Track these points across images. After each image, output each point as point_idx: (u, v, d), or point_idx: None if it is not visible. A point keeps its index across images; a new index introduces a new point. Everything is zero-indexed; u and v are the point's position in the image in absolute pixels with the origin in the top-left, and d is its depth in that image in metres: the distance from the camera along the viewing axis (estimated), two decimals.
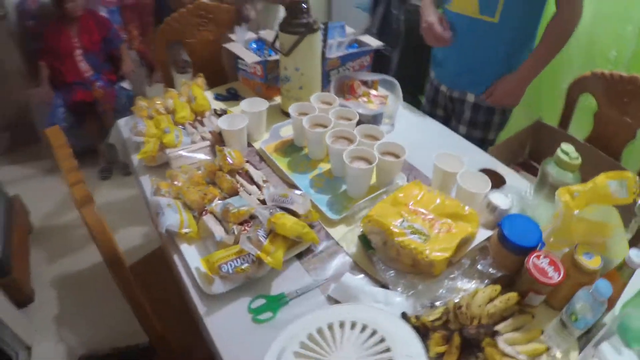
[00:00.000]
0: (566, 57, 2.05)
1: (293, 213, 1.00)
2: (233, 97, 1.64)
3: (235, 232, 0.98)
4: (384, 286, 0.91)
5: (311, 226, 1.03)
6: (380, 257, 0.94)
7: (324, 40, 1.44)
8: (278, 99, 1.59)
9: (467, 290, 0.87)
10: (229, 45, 1.66)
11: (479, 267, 0.89)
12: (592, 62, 1.90)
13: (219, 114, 1.44)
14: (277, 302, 0.90)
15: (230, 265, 0.89)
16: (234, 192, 1.11)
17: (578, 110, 1.61)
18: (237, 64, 1.66)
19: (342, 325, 0.77)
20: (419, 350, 0.74)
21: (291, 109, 1.30)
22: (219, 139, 1.31)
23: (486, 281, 0.89)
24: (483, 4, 1.35)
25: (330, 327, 0.77)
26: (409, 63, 2.38)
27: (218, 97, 1.65)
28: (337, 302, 0.90)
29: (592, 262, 0.86)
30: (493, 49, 1.41)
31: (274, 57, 1.54)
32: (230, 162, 1.15)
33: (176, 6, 1.87)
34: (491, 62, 1.44)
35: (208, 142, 1.30)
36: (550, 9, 1.37)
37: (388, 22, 2.51)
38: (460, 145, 1.41)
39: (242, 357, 0.82)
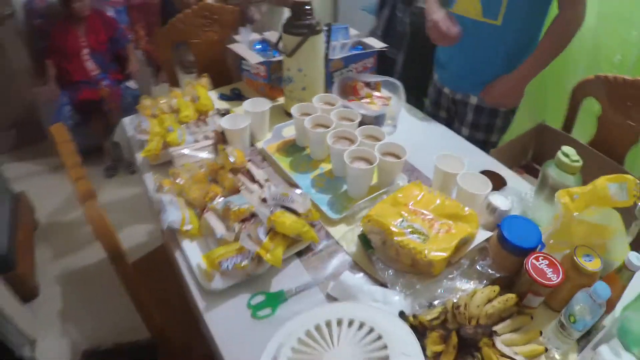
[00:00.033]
0: (571, 61, 2.05)
1: (293, 212, 1.01)
2: (237, 97, 1.66)
3: (236, 230, 0.99)
4: (383, 285, 0.91)
5: (312, 225, 1.03)
6: (379, 256, 0.95)
7: (327, 42, 1.45)
8: (281, 100, 1.60)
9: (466, 290, 0.87)
10: (233, 46, 1.67)
11: (478, 267, 0.90)
12: (597, 66, 1.90)
13: (222, 113, 1.45)
14: (276, 299, 0.91)
15: (230, 262, 0.90)
16: (236, 191, 1.12)
17: (582, 114, 1.61)
18: (242, 64, 1.68)
19: (339, 322, 0.78)
20: (416, 349, 0.74)
21: (293, 110, 1.31)
22: (221, 138, 1.32)
23: (485, 282, 0.89)
24: (486, 6, 1.35)
25: (328, 324, 0.78)
26: (414, 65, 2.38)
27: (222, 97, 1.67)
28: (336, 300, 0.90)
29: (591, 264, 0.86)
30: (496, 52, 1.41)
31: (278, 58, 1.55)
32: (232, 160, 1.16)
33: (181, 7, 1.89)
34: (494, 65, 1.45)
35: (211, 141, 1.31)
36: (554, 11, 1.37)
37: (393, 24, 2.51)
38: (462, 147, 1.41)
39: (240, 352, 0.83)
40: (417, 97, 1.79)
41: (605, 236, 0.92)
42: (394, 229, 0.91)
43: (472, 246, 0.94)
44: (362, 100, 1.48)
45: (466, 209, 0.97)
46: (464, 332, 0.79)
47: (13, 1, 2.53)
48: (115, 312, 1.85)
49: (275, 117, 1.49)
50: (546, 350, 0.84)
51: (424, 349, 0.77)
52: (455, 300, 0.84)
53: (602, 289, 0.79)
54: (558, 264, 0.86)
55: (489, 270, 0.89)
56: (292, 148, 1.35)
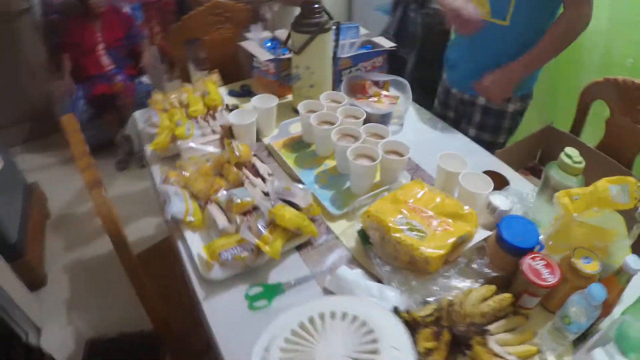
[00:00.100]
0: (583, 65, 2.04)
1: (295, 206, 1.02)
2: (246, 93, 1.68)
3: (238, 222, 1.00)
4: (380, 281, 0.92)
5: (313, 220, 1.04)
6: (377, 252, 0.95)
7: (336, 40, 1.46)
8: (290, 97, 1.62)
9: (462, 288, 0.87)
10: (244, 43, 1.69)
11: (474, 266, 0.90)
12: (609, 69, 1.88)
13: (230, 109, 1.47)
14: (273, 291, 0.92)
15: (230, 253, 0.92)
16: (240, 184, 1.14)
17: (593, 118, 1.60)
18: (252, 61, 1.70)
19: (333, 315, 0.79)
20: (406, 344, 0.75)
21: (300, 107, 1.33)
22: (229, 133, 1.34)
23: (481, 281, 0.89)
24: (494, 7, 1.35)
25: (321, 316, 0.79)
26: (424, 66, 2.39)
27: (231, 93, 1.69)
28: (332, 294, 0.91)
29: (589, 267, 0.85)
30: (504, 52, 1.41)
31: (287, 55, 1.57)
32: (238, 154, 1.17)
33: (194, 5, 1.91)
34: (502, 65, 1.44)
35: (218, 136, 1.33)
36: None
37: (405, 24, 2.52)
38: (467, 147, 1.41)
39: (235, 341, 0.84)
40: (427, 98, 1.80)
41: (606, 239, 0.91)
42: (392, 225, 0.91)
43: (470, 245, 0.94)
44: (370, 99, 1.49)
45: (466, 208, 0.97)
46: (456, 330, 0.80)
47: None
48: (121, 303, 1.88)
49: (284, 114, 1.50)
50: (540, 351, 0.84)
51: (415, 344, 0.77)
52: (450, 298, 0.85)
53: (597, 291, 0.78)
54: (555, 265, 0.86)
55: (486, 269, 0.89)
56: (298, 144, 1.37)
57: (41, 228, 2.25)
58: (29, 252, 1.96)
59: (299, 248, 1.03)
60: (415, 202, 0.99)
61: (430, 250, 0.87)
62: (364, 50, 1.62)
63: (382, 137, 1.22)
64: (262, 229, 0.95)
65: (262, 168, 1.20)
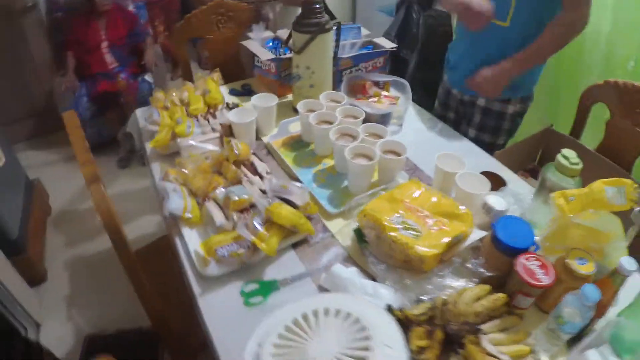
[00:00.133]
0: (585, 68, 2.04)
1: (292, 204, 1.02)
2: (247, 92, 1.68)
3: (235, 219, 1.01)
4: (374, 279, 0.93)
5: (310, 218, 1.05)
6: (373, 251, 0.96)
7: (337, 41, 1.47)
8: (291, 97, 1.62)
9: (456, 288, 0.88)
10: (246, 43, 1.70)
11: (469, 266, 0.90)
12: (611, 73, 1.88)
13: (230, 107, 1.48)
14: (268, 288, 0.93)
15: (226, 250, 0.93)
16: (238, 182, 1.14)
17: (593, 120, 1.60)
18: (254, 61, 1.71)
19: (326, 312, 0.79)
20: (399, 342, 0.75)
21: (299, 106, 1.33)
22: (228, 132, 1.35)
23: (476, 280, 0.89)
24: (495, 8, 1.35)
25: (315, 313, 0.79)
26: (426, 67, 2.39)
27: (232, 92, 1.70)
28: (327, 291, 0.92)
29: (584, 268, 0.85)
30: (504, 53, 1.41)
31: (288, 55, 1.58)
32: (237, 153, 1.18)
33: (197, 4, 1.92)
34: None
35: (217, 134, 1.34)
36: None
37: (408, 26, 2.53)
38: (466, 148, 1.41)
39: (230, 337, 0.85)
40: (428, 99, 1.80)
41: (602, 240, 0.91)
42: (387, 224, 0.92)
43: (465, 245, 0.94)
44: (370, 99, 1.49)
45: (462, 208, 0.97)
46: (449, 329, 0.80)
47: None
48: (121, 300, 1.89)
49: (284, 114, 1.51)
50: (533, 351, 0.84)
51: (407, 342, 0.78)
52: (445, 297, 0.85)
53: (590, 291, 0.78)
54: (550, 266, 0.86)
55: (481, 269, 0.90)
56: (297, 143, 1.37)
57: (42, 224, 2.26)
58: (30, 248, 1.97)
59: (295, 246, 1.03)
60: (412, 201, 0.99)
61: (425, 249, 0.88)
62: (365, 51, 1.63)
63: (380, 137, 1.22)
64: (258, 227, 0.96)
65: (261, 166, 1.21)
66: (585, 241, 0.90)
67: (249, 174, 1.17)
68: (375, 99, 1.48)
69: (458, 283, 0.89)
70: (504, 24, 1.36)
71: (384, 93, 1.52)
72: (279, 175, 1.26)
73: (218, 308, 0.91)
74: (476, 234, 0.96)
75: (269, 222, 0.98)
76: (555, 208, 0.91)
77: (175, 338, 1.31)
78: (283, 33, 1.75)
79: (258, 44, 1.69)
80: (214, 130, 1.37)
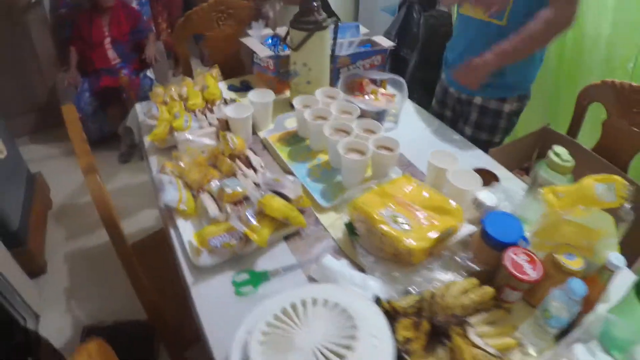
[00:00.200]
0: (585, 69, 2.04)
1: (285, 197, 1.04)
2: (246, 88, 1.70)
3: (229, 211, 1.02)
4: (364, 271, 0.94)
5: (302, 211, 1.06)
6: (363, 244, 0.97)
7: (334, 38, 1.48)
8: (289, 93, 1.63)
9: (444, 281, 0.89)
10: (245, 40, 1.72)
11: (458, 259, 0.91)
12: (611, 73, 1.89)
13: (228, 103, 1.49)
14: (259, 278, 0.94)
15: (219, 240, 0.94)
16: (232, 175, 1.16)
17: (591, 121, 1.60)
18: (253, 58, 1.72)
19: (314, 302, 0.80)
20: (385, 332, 0.76)
21: (296, 101, 1.35)
22: (225, 126, 1.36)
23: (464, 274, 0.90)
24: (487, 13, 1.36)
25: (303, 303, 0.80)
26: (426, 66, 2.40)
27: (231, 88, 1.71)
28: (317, 282, 0.93)
29: (573, 263, 0.86)
30: None
31: (286, 52, 1.59)
32: (232, 147, 1.20)
33: (199, 1, 1.94)
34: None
35: (214, 128, 1.35)
36: None
37: (408, 25, 2.54)
38: (461, 145, 1.42)
39: (220, 325, 0.86)
40: (428, 98, 1.82)
41: (593, 237, 0.92)
42: (377, 217, 0.93)
43: (455, 239, 0.95)
44: (367, 97, 1.50)
45: (452, 203, 0.98)
46: (436, 321, 0.81)
47: None
48: (119, 293, 1.91)
49: (282, 110, 1.53)
50: (520, 345, 0.84)
51: (394, 333, 0.79)
52: (432, 290, 0.86)
53: (577, 285, 0.79)
54: (538, 261, 0.87)
55: (469, 263, 0.91)
56: (293, 138, 1.39)
57: (43, 217, 2.29)
58: (30, 240, 1.99)
59: (287, 238, 1.05)
60: (403, 196, 1.00)
61: (414, 242, 0.89)
62: (363, 49, 1.64)
63: (374, 133, 1.23)
64: (251, 218, 0.97)
65: (255, 160, 1.22)
66: (575, 238, 0.90)
67: (244, 168, 1.18)
68: (372, 96, 1.50)
69: (446, 276, 0.89)
70: (501, 23, 1.37)
71: (381, 90, 1.53)
72: (273, 169, 1.27)
73: (210, 297, 0.92)
74: (466, 229, 0.97)
75: (261, 214, 0.99)
76: (545, 204, 0.92)
77: (170, 330, 1.32)
78: (282, 31, 1.76)
79: (257, 41, 1.71)
80: (211, 125, 1.39)
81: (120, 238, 1.04)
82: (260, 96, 1.42)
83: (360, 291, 0.86)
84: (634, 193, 0.90)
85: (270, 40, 1.73)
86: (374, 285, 0.88)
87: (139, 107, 1.62)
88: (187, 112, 1.42)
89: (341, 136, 1.22)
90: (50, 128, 2.98)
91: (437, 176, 1.12)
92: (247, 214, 0.98)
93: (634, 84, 1.40)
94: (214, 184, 1.11)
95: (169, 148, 1.36)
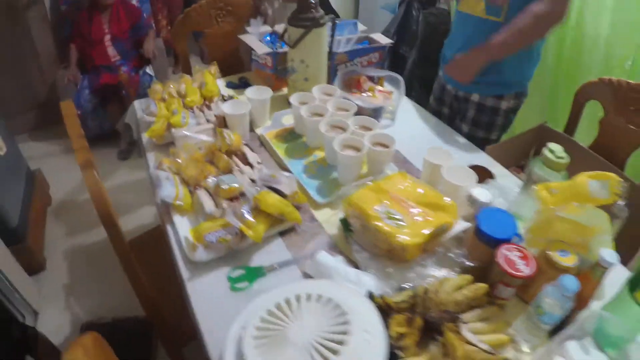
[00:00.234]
0: (584, 68, 2.05)
1: (280, 193, 1.04)
2: (244, 85, 1.70)
3: (225, 207, 1.03)
4: (358, 267, 0.94)
5: (298, 208, 1.07)
6: (358, 240, 0.97)
7: (332, 35, 1.48)
8: (286, 90, 1.64)
9: (438, 277, 0.89)
10: (243, 37, 1.72)
11: (451, 255, 0.91)
12: (610, 72, 1.89)
13: (225, 100, 1.50)
14: (254, 274, 0.95)
15: (214, 236, 0.95)
16: (229, 171, 1.17)
17: (588, 119, 1.60)
18: (251, 55, 1.73)
19: (308, 297, 0.81)
20: (377, 328, 0.77)
21: (292, 98, 1.35)
22: (222, 123, 1.37)
23: (458, 270, 0.91)
24: (489, 4, 1.36)
25: (297, 298, 0.81)
26: (425, 64, 2.40)
27: (229, 85, 1.72)
28: (312, 278, 0.94)
29: (566, 260, 0.86)
30: None
31: (284, 49, 1.59)
32: (229, 143, 1.20)
33: None
34: (495, 63, 1.45)
35: (212, 125, 1.36)
36: None
37: (408, 23, 2.54)
38: (458, 143, 1.43)
39: (215, 321, 0.87)
40: (427, 95, 1.82)
41: (587, 234, 0.92)
42: (372, 213, 0.93)
43: (449, 235, 0.95)
44: (364, 94, 1.51)
45: (447, 199, 0.99)
46: (428, 316, 0.81)
47: None
48: (118, 290, 1.91)
49: (280, 107, 1.53)
50: (513, 341, 0.85)
51: (387, 328, 0.79)
52: (426, 286, 0.86)
53: (569, 281, 0.79)
54: (531, 257, 0.87)
55: (463, 259, 0.91)
56: (290, 135, 1.39)
57: (42, 214, 2.29)
58: (30, 237, 2.00)
59: (283, 234, 1.05)
60: (397, 192, 1.01)
61: (407, 238, 0.89)
62: (360, 46, 1.64)
63: (370, 130, 1.24)
64: (246, 214, 0.98)
65: (252, 157, 1.23)
66: (569, 235, 0.91)
67: (240, 164, 1.19)
68: (370, 94, 1.50)
69: (440, 272, 0.90)
70: (499, 20, 1.37)
71: (378, 88, 1.53)
72: (270, 165, 1.28)
73: (205, 293, 0.93)
74: (460, 225, 0.97)
75: (256, 210, 1.00)
76: (538, 200, 0.92)
77: (168, 326, 1.33)
78: (281, 28, 1.77)
79: (255, 38, 1.71)
80: (208, 121, 1.39)
81: (117, 233, 1.05)
82: (258, 93, 1.42)
83: (354, 287, 0.87)
84: (627, 190, 0.90)
85: (268, 38, 1.73)
86: (368, 281, 0.88)
87: (138, 104, 1.63)
88: (185, 109, 1.43)
89: (337, 133, 1.22)
90: (50, 125, 2.99)
91: (433, 173, 1.12)
92: (242, 209, 0.98)
93: (630, 81, 1.40)
94: (211, 180, 1.11)
95: (166, 144, 1.36)
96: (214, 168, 1.18)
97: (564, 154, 1.01)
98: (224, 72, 1.76)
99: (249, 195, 1.01)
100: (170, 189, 1.10)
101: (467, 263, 0.91)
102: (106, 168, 2.69)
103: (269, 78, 1.66)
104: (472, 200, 0.99)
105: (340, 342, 0.72)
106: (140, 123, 1.52)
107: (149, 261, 1.39)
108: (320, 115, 1.29)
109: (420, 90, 2.34)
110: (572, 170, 1.01)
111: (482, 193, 0.99)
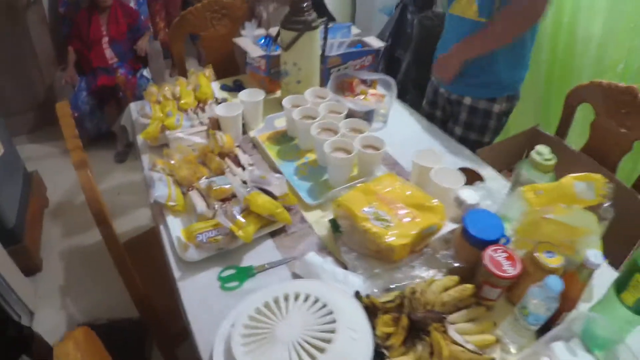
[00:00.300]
0: (575, 70, 2.06)
1: (271, 194, 1.06)
2: (238, 88, 1.71)
3: (216, 207, 1.04)
4: (346, 268, 0.95)
5: (289, 209, 1.08)
6: (346, 240, 0.99)
7: (324, 39, 1.50)
8: (280, 93, 1.65)
9: (425, 278, 0.90)
10: (238, 40, 1.74)
11: (438, 256, 0.93)
12: (602, 76, 1.90)
13: (219, 102, 1.51)
14: (245, 274, 0.96)
15: (205, 235, 0.96)
16: (221, 173, 1.18)
17: (581, 122, 1.62)
18: (246, 57, 1.74)
19: (296, 297, 0.82)
20: (363, 326, 0.78)
21: (285, 101, 1.37)
22: (216, 125, 1.38)
23: (445, 271, 0.92)
24: (481, 7, 1.38)
25: (285, 297, 0.82)
26: (419, 67, 2.42)
27: (224, 88, 1.73)
28: (300, 278, 0.95)
29: (552, 261, 0.87)
30: (490, 52, 1.43)
31: (278, 52, 1.61)
32: (221, 144, 1.22)
33: (195, 1, 1.96)
34: (487, 65, 1.47)
35: (205, 127, 1.37)
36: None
37: (403, 26, 2.55)
38: (449, 145, 1.44)
39: (205, 319, 0.88)
40: (421, 98, 1.83)
41: (575, 236, 0.93)
42: (360, 214, 0.95)
43: (436, 236, 0.96)
44: (357, 97, 1.52)
45: (434, 201, 1.00)
46: (413, 316, 0.82)
47: None
48: (113, 291, 1.91)
49: (273, 109, 1.54)
50: (500, 342, 0.86)
51: (373, 328, 0.80)
52: (413, 286, 0.88)
53: (553, 282, 0.80)
54: (517, 258, 0.88)
55: (451, 260, 0.92)
56: (282, 138, 1.41)
57: (39, 215, 2.31)
58: (26, 238, 2.01)
59: (273, 235, 1.07)
60: (386, 193, 1.02)
61: (393, 239, 0.90)
62: (354, 49, 1.66)
63: (361, 132, 1.25)
64: (237, 215, 0.99)
65: (244, 158, 1.24)
66: (557, 236, 0.91)
67: (232, 166, 1.21)
68: (362, 96, 1.51)
69: (428, 273, 0.91)
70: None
71: (371, 91, 1.54)
72: (262, 167, 1.29)
73: (196, 292, 0.94)
74: (448, 227, 0.98)
75: (247, 211, 1.01)
76: (524, 202, 0.93)
77: (162, 327, 1.34)
78: (275, 31, 1.78)
79: (250, 41, 1.72)
80: (202, 123, 1.40)
81: (110, 231, 1.07)
82: (251, 96, 1.44)
83: (341, 287, 0.88)
84: (614, 191, 0.92)
85: (263, 41, 1.74)
86: (356, 281, 0.89)
87: (134, 106, 1.64)
88: (179, 111, 1.45)
89: (329, 135, 1.24)
90: (47, 126, 3.00)
91: (421, 175, 1.14)
92: (233, 210, 0.99)
93: (621, 84, 1.41)
94: (203, 181, 1.13)
95: (161, 146, 1.37)
96: (206, 169, 1.19)
97: (551, 156, 1.02)
98: (220, 74, 1.78)
99: (240, 196, 1.02)
100: (164, 190, 1.11)
101: (454, 264, 0.92)
102: (103, 170, 2.71)
103: (263, 81, 1.67)
104: (459, 202, 1.00)
105: (326, 340, 0.74)
106: (136, 125, 1.53)
107: (144, 262, 1.40)
108: (313, 117, 1.31)
109: (415, 93, 2.35)
110: (563, 173, 1.02)
111: (469, 195, 1.00)
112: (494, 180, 1.22)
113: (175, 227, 1.07)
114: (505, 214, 1.05)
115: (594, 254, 0.83)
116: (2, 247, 1.77)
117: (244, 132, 1.44)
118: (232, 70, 1.97)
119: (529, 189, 0.93)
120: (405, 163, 1.31)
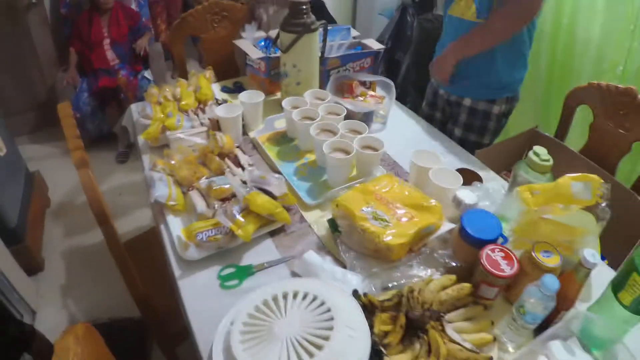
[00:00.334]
0: (576, 72, 2.07)
1: (270, 194, 1.07)
2: (238, 90, 1.72)
3: (216, 207, 1.05)
4: (345, 267, 0.96)
5: (288, 209, 1.09)
6: (347, 240, 0.99)
7: (323, 41, 1.51)
8: (279, 94, 1.66)
9: (423, 277, 0.91)
10: (238, 42, 1.75)
11: (436, 256, 0.93)
12: (601, 77, 1.91)
13: (219, 103, 1.52)
14: (244, 272, 0.97)
15: (205, 234, 0.97)
16: (221, 173, 1.19)
17: (581, 124, 1.62)
18: (246, 59, 1.75)
19: (295, 295, 0.83)
20: (361, 324, 0.79)
21: (285, 103, 1.38)
22: (216, 126, 1.39)
23: (443, 270, 0.92)
24: (479, 8, 1.39)
25: (284, 295, 0.83)
26: (419, 69, 2.43)
27: (224, 89, 1.74)
28: (299, 276, 0.96)
29: (549, 260, 0.88)
30: (488, 51, 1.44)
31: (278, 54, 1.62)
32: (221, 145, 1.23)
33: (195, 3, 1.98)
34: (487, 65, 1.48)
35: (205, 128, 1.38)
36: (544, 12, 1.39)
37: (403, 28, 2.57)
38: (448, 146, 1.45)
39: (205, 317, 0.89)
40: (421, 100, 1.84)
41: (573, 236, 0.93)
42: (358, 214, 0.96)
43: (434, 236, 0.97)
44: (356, 99, 1.53)
45: (432, 201, 1.01)
46: (411, 314, 0.83)
47: None
48: (115, 291, 1.92)
49: (273, 110, 1.55)
50: (498, 341, 0.86)
51: (372, 327, 0.81)
52: (411, 285, 0.88)
53: (550, 281, 0.81)
54: (514, 257, 0.89)
55: (448, 259, 0.93)
56: (282, 139, 1.42)
57: (41, 215, 2.32)
58: (28, 237, 2.02)
59: (272, 234, 1.08)
60: (384, 193, 1.03)
61: (391, 238, 0.91)
62: (352, 51, 1.67)
63: (360, 133, 1.26)
64: (236, 214, 1.00)
65: (243, 159, 1.25)
66: (554, 236, 0.92)
67: (232, 166, 1.22)
68: (362, 98, 1.52)
69: (425, 272, 0.92)
70: None
71: (370, 92, 1.55)
72: (262, 168, 1.30)
73: (196, 290, 0.95)
74: (446, 226, 0.99)
75: (246, 210, 1.02)
76: (521, 202, 0.94)
77: (163, 326, 1.35)
78: (274, 33, 1.79)
79: (250, 43, 1.73)
80: (202, 124, 1.42)
81: (111, 229, 1.08)
82: (251, 97, 1.45)
83: (340, 285, 0.89)
84: (612, 192, 0.92)
85: (263, 43, 1.76)
86: (354, 279, 0.90)
87: (135, 107, 1.65)
88: (179, 112, 1.46)
89: (328, 136, 1.25)
90: (49, 127, 3.01)
91: (420, 175, 1.14)
92: (233, 210, 1.00)
93: (619, 85, 1.42)
94: (203, 181, 1.14)
95: (161, 146, 1.39)
96: (206, 170, 1.20)
97: (548, 157, 1.03)
98: (220, 76, 1.79)
99: (239, 196, 1.03)
100: (164, 189, 1.12)
101: (452, 263, 0.93)
102: (104, 170, 2.72)
103: (263, 82, 1.68)
104: (457, 202, 1.01)
105: (324, 338, 0.74)
106: (137, 126, 1.54)
107: (145, 262, 1.41)
108: (312, 119, 1.32)
109: (416, 96, 2.37)
110: (562, 174, 1.02)
111: (467, 195, 1.01)
112: (492, 181, 1.23)
113: (175, 227, 1.08)
114: (503, 214, 1.05)
115: (591, 253, 0.84)
116: (5, 246, 1.78)
117: (244, 133, 1.45)
118: (232, 72, 1.99)
119: (525, 189, 0.94)
120: (405, 164, 1.32)
